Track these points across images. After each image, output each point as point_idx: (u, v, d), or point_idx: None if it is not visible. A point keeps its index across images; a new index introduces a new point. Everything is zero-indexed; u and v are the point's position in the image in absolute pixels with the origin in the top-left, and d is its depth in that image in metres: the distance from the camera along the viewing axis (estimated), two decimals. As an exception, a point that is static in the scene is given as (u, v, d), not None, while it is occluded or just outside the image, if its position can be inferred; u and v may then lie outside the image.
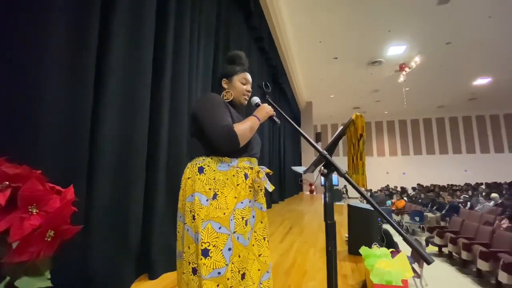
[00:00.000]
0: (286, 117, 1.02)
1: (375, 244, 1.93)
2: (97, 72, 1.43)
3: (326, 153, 0.73)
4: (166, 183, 1.97)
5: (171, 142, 2.07)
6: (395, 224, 0.57)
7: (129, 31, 1.66)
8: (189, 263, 0.95)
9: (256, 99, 1.15)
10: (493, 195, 7.47)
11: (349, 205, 2.57)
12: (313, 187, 10.60)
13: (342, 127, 0.97)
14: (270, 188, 1.05)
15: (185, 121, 2.23)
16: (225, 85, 1.15)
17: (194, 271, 0.93)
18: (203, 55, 2.73)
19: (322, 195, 0.74)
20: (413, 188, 13.93)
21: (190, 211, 0.96)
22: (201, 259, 0.89)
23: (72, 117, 1.24)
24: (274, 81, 6.77)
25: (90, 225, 1.36)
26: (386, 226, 2.40)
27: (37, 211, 0.58)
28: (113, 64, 1.53)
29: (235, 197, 0.99)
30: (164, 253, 1.83)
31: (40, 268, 0.61)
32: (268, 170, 1.10)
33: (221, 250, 0.91)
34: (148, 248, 1.76)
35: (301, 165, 10.79)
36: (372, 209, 0.59)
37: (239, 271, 0.95)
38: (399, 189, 14.01)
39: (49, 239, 0.59)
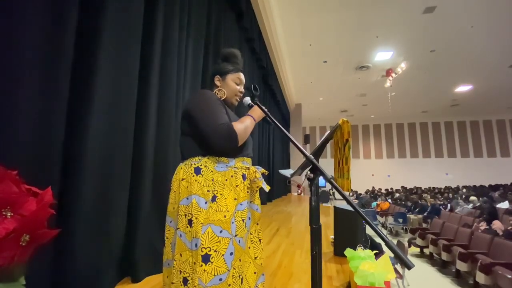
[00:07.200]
0: (273, 119, 1.02)
1: (359, 246, 1.96)
2: (81, 70, 1.38)
3: (313, 157, 0.73)
4: (152, 183, 1.93)
5: (158, 142, 2.03)
6: (377, 228, 0.58)
7: (115, 28, 1.61)
8: (180, 272, 0.88)
9: (248, 100, 1.13)
10: (472, 198, 7.76)
11: (335, 207, 2.61)
12: (301, 188, 10.69)
13: (329, 131, 0.98)
14: (267, 188, 1.03)
15: (172, 121, 2.19)
16: (217, 83, 1.12)
17: (185, 281, 0.86)
18: (192, 54, 2.70)
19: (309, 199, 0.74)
20: (397, 191, 14.31)
21: (185, 215, 0.91)
22: (202, 265, 0.84)
23: (51, 113, 1.19)
24: (264, 82, 6.78)
25: (70, 227, 1.32)
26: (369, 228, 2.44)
27: (12, 214, 0.56)
28: (98, 61, 1.49)
29: (235, 199, 0.95)
30: (148, 255, 1.79)
31: (14, 274, 0.58)
32: (263, 170, 1.08)
33: (222, 255, 0.87)
34: (132, 250, 1.72)
35: (290, 167, 10.86)
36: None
37: (239, 276, 0.91)
38: (383, 191, 14.34)
39: (24, 244, 0.56)
